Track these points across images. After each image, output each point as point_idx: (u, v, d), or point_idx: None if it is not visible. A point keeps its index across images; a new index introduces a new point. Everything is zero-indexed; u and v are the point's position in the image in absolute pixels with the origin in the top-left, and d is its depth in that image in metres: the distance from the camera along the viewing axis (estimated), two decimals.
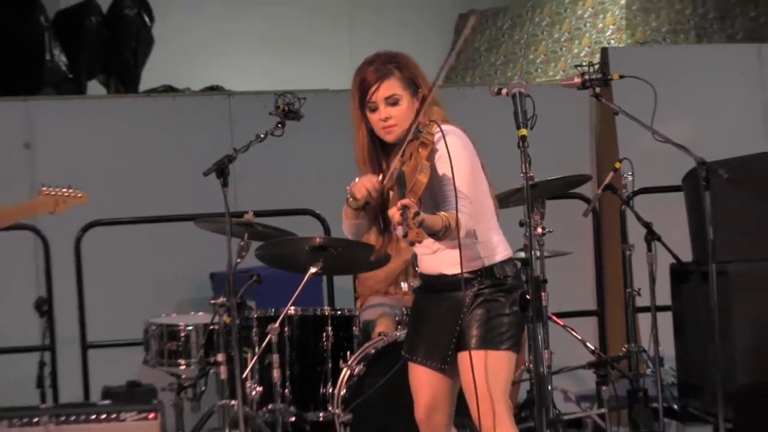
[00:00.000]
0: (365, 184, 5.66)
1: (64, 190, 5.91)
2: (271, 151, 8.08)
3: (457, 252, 5.63)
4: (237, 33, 15.54)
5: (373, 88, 5.79)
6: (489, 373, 5.71)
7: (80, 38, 14.30)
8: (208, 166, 8.00)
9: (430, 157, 5.63)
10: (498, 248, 5.88)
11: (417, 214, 5.18)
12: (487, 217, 5.84)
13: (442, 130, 5.57)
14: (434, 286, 5.99)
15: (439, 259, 5.91)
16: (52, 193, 5.87)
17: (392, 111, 5.76)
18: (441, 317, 5.91)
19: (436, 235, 5.50)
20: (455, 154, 5.59)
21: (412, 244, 5.35)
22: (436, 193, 5.69)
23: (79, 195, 6.25)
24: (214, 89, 13.26)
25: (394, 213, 5.24)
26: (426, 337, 6.02)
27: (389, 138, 5.81)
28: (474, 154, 5.79)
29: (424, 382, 6.05)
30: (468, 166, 5.68)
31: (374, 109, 5.79)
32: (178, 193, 9.41)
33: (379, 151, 5.92)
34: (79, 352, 9.40)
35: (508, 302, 5.80)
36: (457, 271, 5.74)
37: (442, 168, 5.64)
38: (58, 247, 9.44)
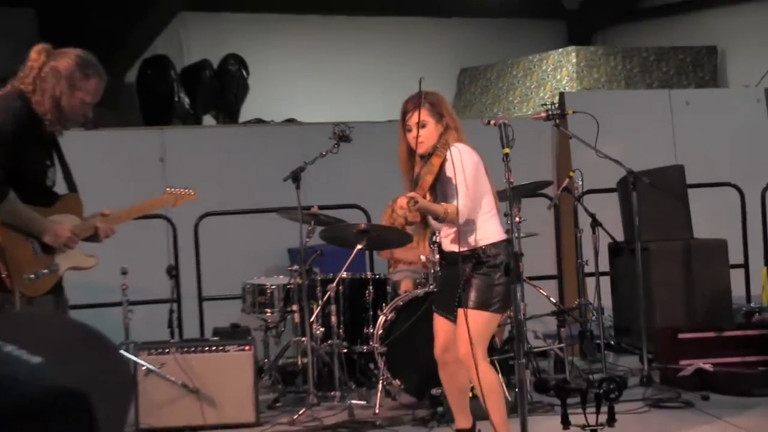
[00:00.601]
0: (399, 208, 5.63)
1: (182, 190, 5.81)
2: (330, 163, 8.02)
3: (462, 233, 5.77)
4: (307, 79, 15.50)
5: (409, 115, 5.86)
6: (478, 325, 5.73)
7: (198, 86, 14.30)
8: (286, 174, 7.97)
9: (441, 165, 5.78)
10: (492, 232, 5.86)
11: (416, 202, 5.46)
12: (485, 209, 5.86)
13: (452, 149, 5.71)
14: (449, 260, 6.01)
15: (449, 239, 5.95)
16: (174, 191, 5.88)
17: (421, 132, 5.77)
18: (452, 282, 5.89)
19: (438, 218, 5.74)
20: (458, 162, 5.69)
21: (409, 224, 5.66)
22: (445, 190, 5.77)
23: (192, 194, 6.16)
24: (290, 121, 13.18)
25: (402, 201, 5.51)
26: (443, 296, 6.09)
27: (419, 150, 5.88)
28: (476, 163, 5.81)
29: (441, 328, 6.10)
30: (470, 170, 5.69)
31: (409, 130, 5.82)
32: (265, 193, 9.34)
33: (414, 159, 5.95)
34: (197, 303, 9.39)
35: (496, 275, 5.76)
36: (461, 248, 5.79)
37: (449, 172, 5.73)
38: (183, 230, 9.41)
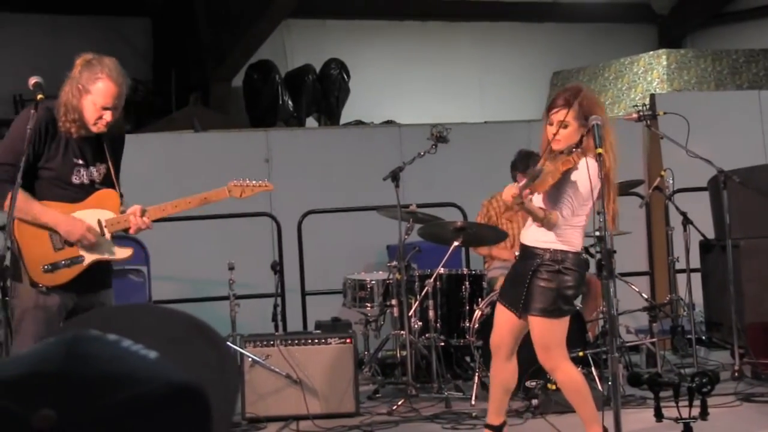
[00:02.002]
0: (504, 197, 5.47)
1: (250, 182, 5.71)
2: (427, 163, 7.98)
3: (539, 231, 5.59)
4: (405, 82, 15.47)
5: (555, 111, 5.60)
6: (545, 333, 5.62)
7: (301, 90, 14.34)
8: (386, 174, 7.93)
9: (566, 171, 5.46)
10: (569, 240, 5.62)
11: (521, 202, 5.25)
12: (575, 221, 5.60)
13: (586, 161, 5.40)
14: (523, 253, 5.80)
15: (527, 232, 5.75)
16: (239, 183, 5.66)
17: (562, 132, 5.55)
18: (520, 276, 5.70)
19: (536, 219, 5.49)
20: (583, 178, 5.44)
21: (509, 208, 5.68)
22: (558, 195, 5.51)
23: (265, 185, 5.83)
24: (389, 122, 13.15)
25: (508, 194, 5.28)
26: (510, 287, 5.83)
27: (555, 147, 5.55)
28: (595, 185, 5.47)
29: (501, 319, 5.85)
30: (585, 190, 5.47)
31: (550, 124, 5.60)
32: (365, 192, 9.33)
33: (549, 147, 5.60)
34: (300, 297, 9.40)
35: (555, 281, 5.58)
36: (534, 244, 5.65)
37: (569, 182, 5.49)
38: (287, 228, 9.44)
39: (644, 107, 7.64)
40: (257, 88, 14.15)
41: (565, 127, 5.53)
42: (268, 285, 8.63)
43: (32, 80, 5.01)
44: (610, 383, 5.59)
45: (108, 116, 5.15)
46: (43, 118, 5.10)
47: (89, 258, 5.19)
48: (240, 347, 7.41)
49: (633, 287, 8.43)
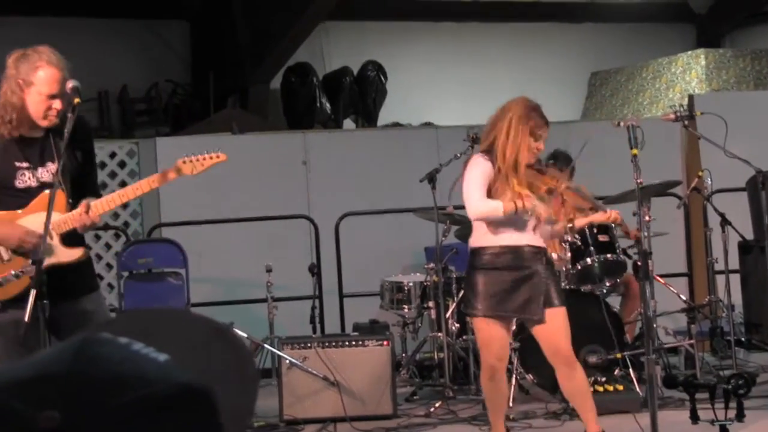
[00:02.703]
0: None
1: (199, 156, 5.12)
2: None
3: (532, 233, 5.69)
4: (442, 84, 15.46)
5: (545, 128, 5.61)
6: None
7: (339, 91, 14.37)
8: (423, 175, 7.96)
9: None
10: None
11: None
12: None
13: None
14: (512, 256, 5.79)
15: (523, 235, 5.69)
16: (187, 159, 5.09)
17: (541, 146, 5.61)
18: (523, 279, 5.72)
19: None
20: None
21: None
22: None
23: (218, 156, 5.19)
24: (427, 124, 13.16)
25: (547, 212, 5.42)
26: (508, 295, 5.73)
27: (532, 159, 5.63)
28: None
29: (498, 335, 5.77)
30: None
31: (538, 139, 5.61)
32: (402, 193, 9.35)
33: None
34: (337, 300, 9.41)
35: (554, 273, 5.82)
36: (536, 243, 5.71)
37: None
38: (324, 230, 9.47)
39: (681, 108, 7.63)
40: (295, 91, 14.19)
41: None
42: (305, 287, 8.68)
43: (69, 84, 4.83)
44: (647, 385, 5.60)
45: (57, 104, 4.84)
46: None
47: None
48: (277, 349, 7.46)
49: (671, 289, 8.41)
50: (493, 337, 5.70)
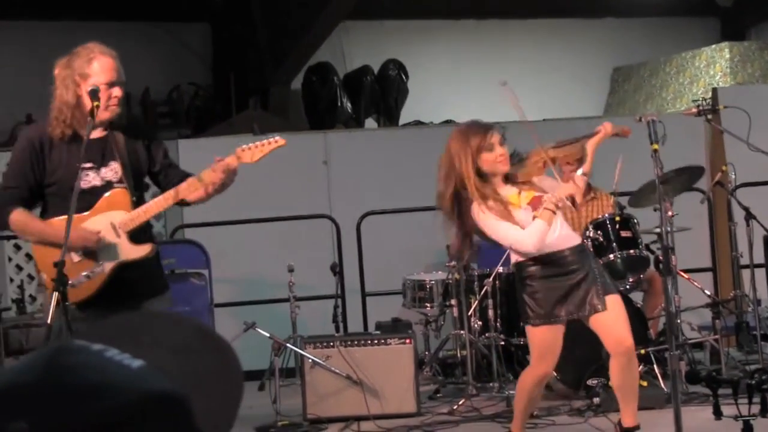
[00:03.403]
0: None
1: (259, 143, 5.17)
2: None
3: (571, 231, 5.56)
4: (463, 81, 15.45)
5: (489, 135, 5.54)
6: None
7: (360, 91, 14.39)
8: None
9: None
10: None
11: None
12: None
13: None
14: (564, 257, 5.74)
15: (568, 236, 5.66)
16: (247, 148, 5.10)
17: (502, 150, 5.53)
18: (576, 278, 5.63)
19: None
20: None
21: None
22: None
23: (277, 140, 5.27)
24: (448, 122, 13.14)
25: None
26: (563, 299, 5.63)
27: (505, 166, 5.52)
28: None
29: (557, 342, 5.71)
30: None
31: (491, 150, 5.47)
32: (424, 192, 9.30)
33: None
34: (360, 298, 9.41)
35: None
36: (579, 241, 5.72)
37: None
38: (346, 229, 9.47)
39: (704, 102, 7.58)
40: (316, 91, 14.22)
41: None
42: (328, 286, 8.68)
43: (87, 87, 4.86)
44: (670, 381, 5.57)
45: (117, 92, 4.89)
46: (35, 136, 4.95)
47: (108, 265, 4.92)
48: (300, 349, 7.47)
49: (695, 284, 8.36)
50: (552, 345, 5.60)
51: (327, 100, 14.08)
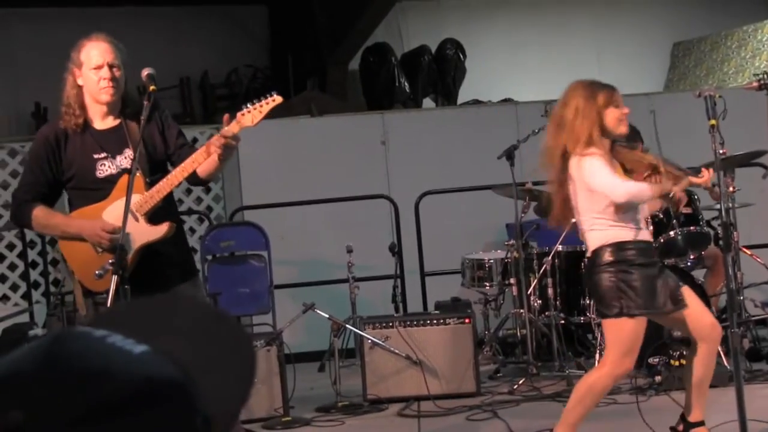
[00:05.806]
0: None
1: (257, 104, 4.90)
2: (542, 140, 7.91)
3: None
4: (521, 59, 15.36)
5: (616, 93, 5.42)
6: None
7: (418, 71, 14.35)
8: (500, 152, 7.91)
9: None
10: None
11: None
12: None
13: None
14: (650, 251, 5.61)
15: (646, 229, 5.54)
16: (247, 111, 4.88)
17: (626, 109, 5.43)
18: (658, 272, 5.45)
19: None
20: None
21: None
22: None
23: (274, 98, 4.93)
24: (506, 101, 13.07)
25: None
26: (658, 291, 5.39)
27: (624, 128, 5.39)
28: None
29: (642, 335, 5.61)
30: None
31: (618, 105, 5.40)
32: (482, 171, 9.28)
33: None
34: (419, 278, 9.39)
35: None
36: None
37: None
38: (404, 209, 9.45)
39: (766, 76, 7.45)
40: (374, 71, 14.20)
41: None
42: (386, 267, 8.69)
43: (145, 72, 4.85)
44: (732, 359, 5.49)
45: (105, 73, 4.89)
46: (50, 133, 5.00)
47: (131, 250, 4.87)
48: (359, 329, 7.48)
49: (758, 260, 8.25)
50: (640, 338, 5.28)
51: (385, 80, 14.05)
